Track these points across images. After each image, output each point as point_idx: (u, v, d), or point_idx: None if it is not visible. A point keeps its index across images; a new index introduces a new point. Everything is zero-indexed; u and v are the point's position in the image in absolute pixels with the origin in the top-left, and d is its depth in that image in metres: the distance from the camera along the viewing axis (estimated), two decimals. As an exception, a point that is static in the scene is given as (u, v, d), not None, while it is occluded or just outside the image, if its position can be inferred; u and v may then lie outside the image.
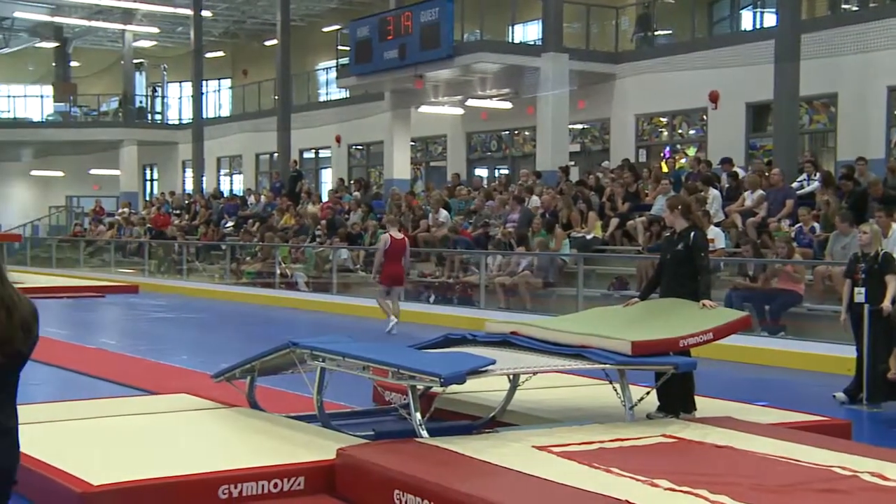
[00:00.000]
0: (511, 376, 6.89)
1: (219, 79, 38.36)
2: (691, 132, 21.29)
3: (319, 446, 5.84)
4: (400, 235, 14.17)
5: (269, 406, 7.25)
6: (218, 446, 6.07)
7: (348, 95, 29.16)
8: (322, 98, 32.43)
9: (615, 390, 6.63)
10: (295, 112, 28.48)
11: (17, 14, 33.91)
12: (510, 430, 6.39)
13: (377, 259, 14.02)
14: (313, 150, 31.55)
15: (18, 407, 2.80)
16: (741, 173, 16.29)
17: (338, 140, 29.47)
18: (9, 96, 38.36)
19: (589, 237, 15.90)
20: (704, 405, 7.24)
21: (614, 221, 16.16)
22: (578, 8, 22.38)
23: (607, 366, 6.46)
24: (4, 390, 2.73)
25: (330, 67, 30.58)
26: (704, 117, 20.40)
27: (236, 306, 18.71)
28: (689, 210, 7.56)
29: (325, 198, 24.54)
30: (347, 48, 23.88)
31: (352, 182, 24.97)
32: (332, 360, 6.55)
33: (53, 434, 6.22)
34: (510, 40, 24.11)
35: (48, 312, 14.42)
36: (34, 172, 39.25)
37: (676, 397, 7.05)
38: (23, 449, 2.83)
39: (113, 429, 6.52)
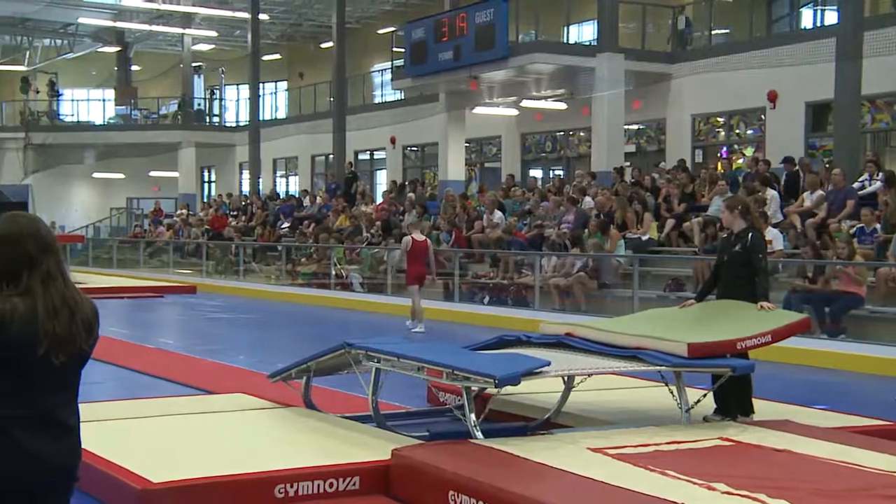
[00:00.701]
0: (566, 378, 6.86)
1: (275, 81, 38.73)
2: (749, 132, 21.01)
3: (374, 446, 5.87)
4: (422, 238, 14.38)
5: (325, 406, 7.29)
6: (274, 446, 6.12)
7: (403, 97, 29.24)
8: (377, 100, 32.57)
9: (671, 392, 6.57)
10: (350, 114, 28.65)
11: (80, 20, 34.65)
12: (565, 432, 6.36)
13: (399, 260, 14.30)
14: (368, 152, 31.72)
15: (80, 405, 2.86)
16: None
17: (392, 141, 29.58)
18: (73, 100, 39.21)
19: (644, 238, 15.80)
20: (762, 408, 7.14)
21: (670, 222, 16.03)
22: (634, 8, 22.22)
23: (663, 368, 6.40)
24: (67, 388, 2.78)
25: (385, 69, 30.71)
26: (762, 117, 20.12)
27: (292, 307, 18.86)
28: (748, 211, 7.46)
29: (379, 199, 24.64)
30: (402, 50, 23.96)
31: (406, 183, 25.07)
32: (386, 360, 6.57)
33: (114, 432, 6.32)
34: (565, 41, 24.03)
35: (109, 312, 14.65)
36: (96, 175, 39.96)
37: (734, 400, 6.96)
38: (84, 446, 2.88)
39: (171, 427, 6.61)
